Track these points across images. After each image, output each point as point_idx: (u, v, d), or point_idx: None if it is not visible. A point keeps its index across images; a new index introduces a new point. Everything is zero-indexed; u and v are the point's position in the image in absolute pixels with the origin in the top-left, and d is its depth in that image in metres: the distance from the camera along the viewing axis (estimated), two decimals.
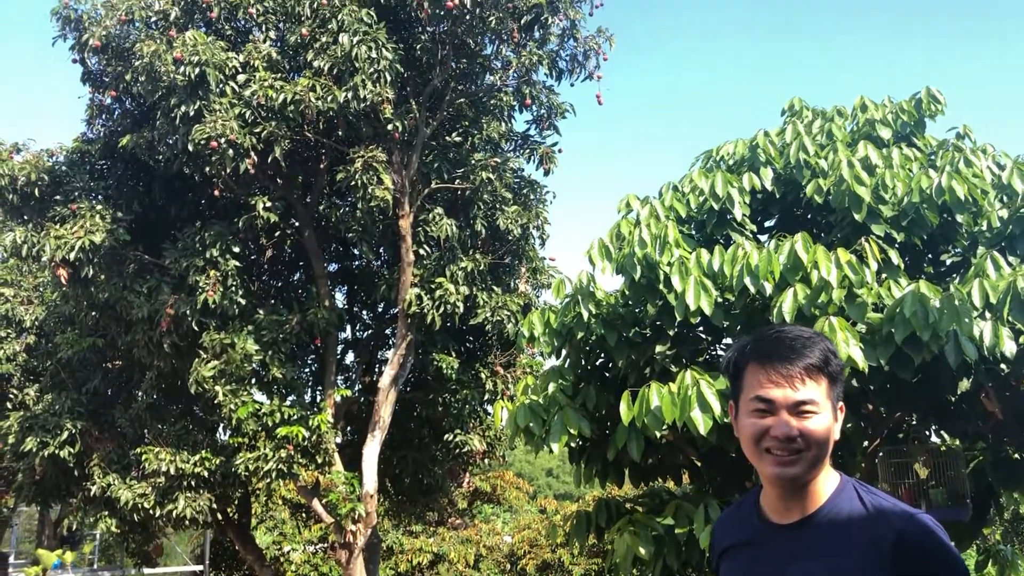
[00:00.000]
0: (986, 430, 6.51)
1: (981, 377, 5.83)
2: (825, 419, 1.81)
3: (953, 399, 6.37)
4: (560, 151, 12.24)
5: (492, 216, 11.65)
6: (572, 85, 11.74)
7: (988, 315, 5.35)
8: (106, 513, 12.29)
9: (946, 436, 7.29)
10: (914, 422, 7.09)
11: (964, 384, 6.06)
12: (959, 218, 6.49)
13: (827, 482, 1.84)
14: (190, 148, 9.87)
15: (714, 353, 6.83)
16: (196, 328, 10.93)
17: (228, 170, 10.12)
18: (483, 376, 12.27)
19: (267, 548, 20.00)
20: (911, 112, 7.49)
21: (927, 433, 7.28)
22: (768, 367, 1.81)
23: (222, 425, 12.04)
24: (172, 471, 11.08)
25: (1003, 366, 5.68)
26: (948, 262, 7.10)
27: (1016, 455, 6.74)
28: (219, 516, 13.10)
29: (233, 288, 10.86)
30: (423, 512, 15.90)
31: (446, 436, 12.50)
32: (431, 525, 22.64)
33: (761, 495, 1.93)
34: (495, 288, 11.60)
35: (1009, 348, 5.16)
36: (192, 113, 9.91)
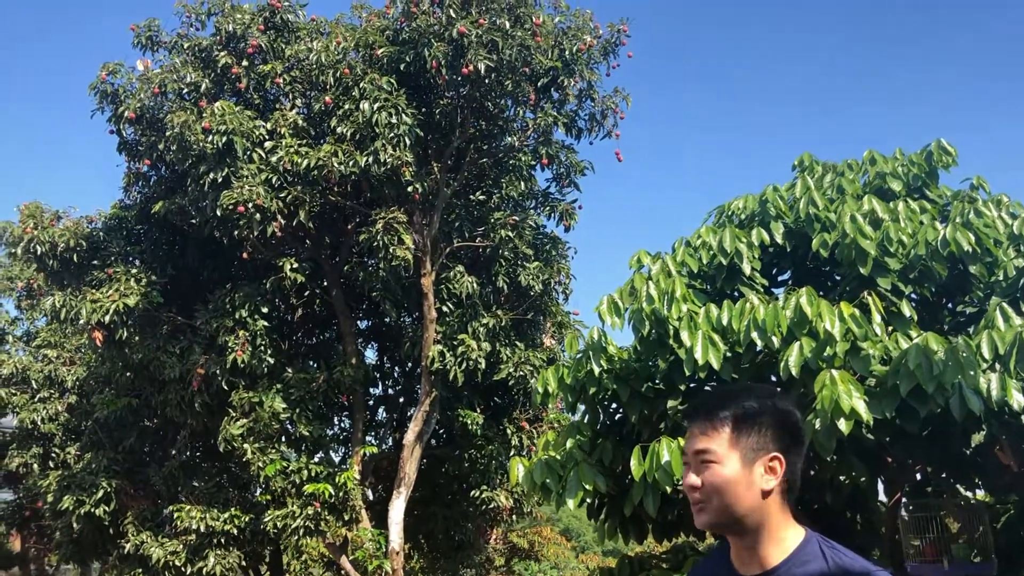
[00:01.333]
0: (1004, 483, 6.41)
1: (995, 430, 5.78)
2: (724, 468, 1.83)
3: (968, 452, 6.29)
4: (580, 207, 12.43)
5: (514, 272, 11.81)
6: (591, 143, 11.97)
7: (997, 367, 5.33)
8: (140, 571, 12.42)
9: (977, 491, 7.19)
10: (931, 475, 6.99)
11: (978, 437, 6.01)
12: (972, 269, 6.47)
13: (787, 536, 1.85)
14: (219, 213, 10.22)
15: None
16: (226, 387, 11.16)
17: (256, 233, 10.43)
18: (509, 431, 12.32)
19: None
20: (921, 164, 7.52)
21: (957, 487, 7.18)
22: (688, 422, 1.95)
23: (254, 482, 12.20)
24: (202, 528, 11.22)
25: (1021, 418, 5.64)
26: (967, 313, 7.06)
27: None
28: (251, 574, 13.18)
29: (262, 347, 11.10)
30: (458, 569, 15.84)
31: (472, 492, 12.52)
32: None
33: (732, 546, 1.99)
34: (519, 343, 11.71)
35: (1018, 400, 5.13)
36: (220, 180, 10.28)
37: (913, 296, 6.39)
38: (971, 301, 6.96)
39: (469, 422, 11.61)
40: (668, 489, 5.75)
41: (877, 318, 5.61)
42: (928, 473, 7.16)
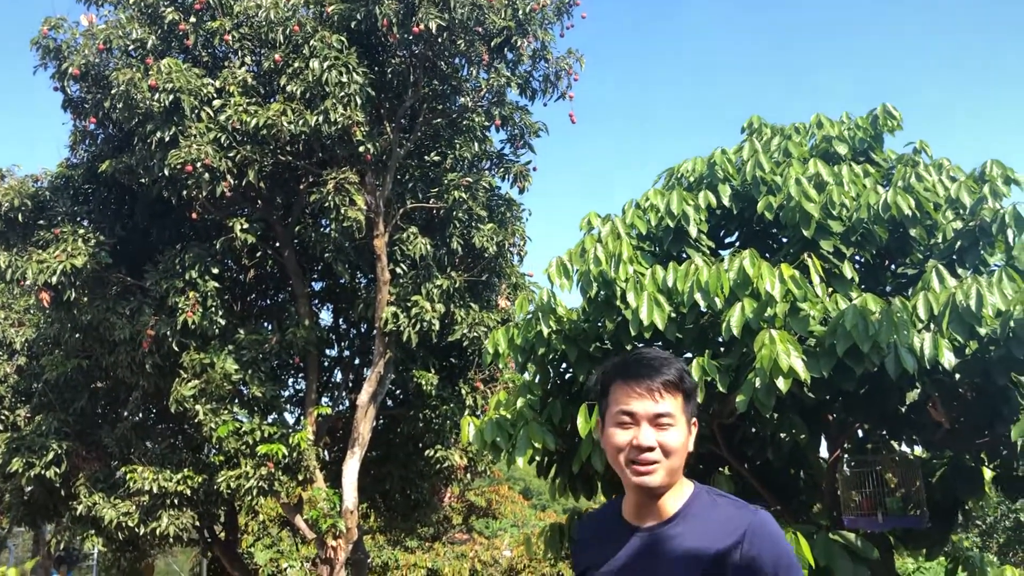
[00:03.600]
0: (937, 439, 6.63)
1: (928, 388, 5.97)
2: (680, 431, 1.97)
3: (904, 409, 6.50)
4: (535, 169, 12.44)
5: (468, 234, 11.82)
6: (545, 105, 11.95)
7: (932, 327, 5.50)
8: (92, 532, 12.39)
9: (914, 447, 7.42)
10: (869, 432, 7.21)
11: (913, 395, 6.20)
12: (912, 232, 6.62)
13: (683, 490, 2.02)
14: (167, 172, 10.07)
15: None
16: (177, 348, 11.08)
17: (205, 193, 10.30)
18: (463, 392, 12.41)
19: (265, 565, 20.10)
20: (867, 128, 7.64)
21: (894, 444, 7.41)
22: (632, 383, 1.99)
23: (207, 444, 12.18)
24: (155, 489, 11.20)
25: (957, 375, 5.82)
26: (907, 274, 7.24)
27: (973, 464, 6.86)
28: (205, 534, 13.21)
29: (213, 309, 11.02)
30: (415, 527, 16.01)
31: (427, 452, 12.64)
32: (427, 541, 22.75)
33: (624, 502, 2.08)
34: (473, 305, 11.76)
35: (948, 359, 5.30)
36: (168, 138, 10.11)
37: (855, 258, 6.52)
38: (910, 263, 7.13)
39: (424, 383, 11.67)
40: None
41: (817, 279, 5.74)
42: (867, 430, 7.37)
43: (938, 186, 6.86)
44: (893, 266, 7.23)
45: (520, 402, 6.74)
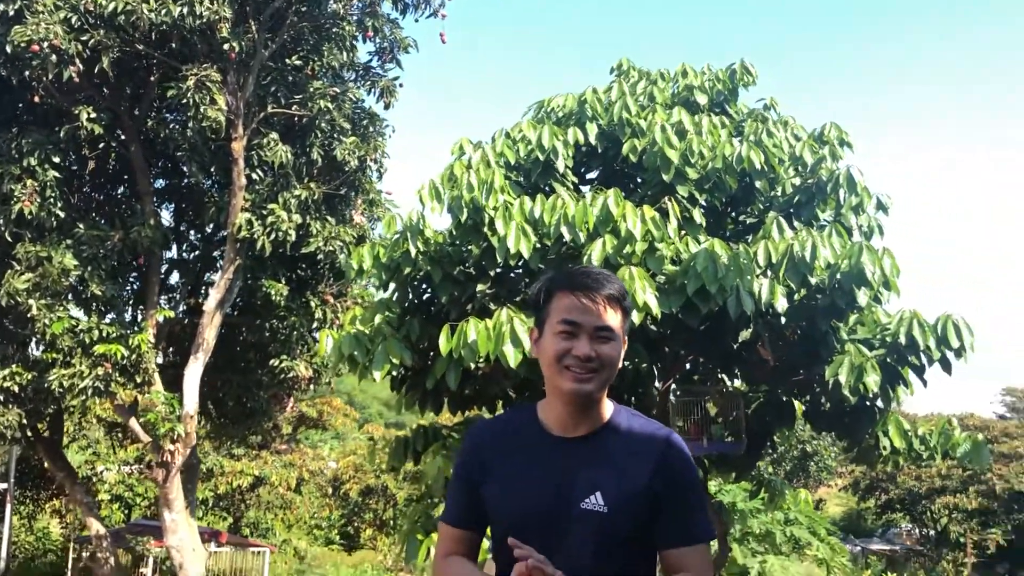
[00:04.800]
0: (759, 375, 7.30)
1: (760, 328, 6.57)
2: (617, 346, 2.10)
3: (736, 346, 7.10)
4: (401, 85, 12.33)
5: (329, 146, 11.62)
6: (416, 21, 11.82)
7: (769, 273, 6.05)
8: None
9: (735, 380, 8.10)
10: (700, 365, 7.82)
11: (745, 334, 6.79)
12: (757, 184, 7.16)
13: (607, 404, 2.16)
14: (8, 50, 9.34)
15: (530, 294, 7.26)
16: (10, 239, 10.45)
17: (50, 76, 9.66)
18: (313, 304, 12.36)
19: (79, 467, 19.46)
20: (725, 81, 8.10)
21: (719, 376, 8.06)
22: (578, 294, 2.08)
23: (35, 340, 11.63)
24: None
25: (782, 319, 6.43)
26: (748, 223, 7.80)
27: (785, 398, 7.59)
28: (28, 432, 12.69)
29: (51, 200, 10.43)
30: (245, 436, 15.93)
31: (272, 361, 12.56)
32: (253, 449, 22.66)
33: (542, 411, 2.19)
34: (329, 218, 11.66)
35: (781, 304, 5.88)
36: (12, 12, 9.36)
37: (703, 204, 6.98)
38: (752, 213, 7.72)
39: (273, 292, 11.53)
40: (472, 365, 6.15)
41: (674, 223, 6.16)
42: (698, 363, 8.00)
43: (784, 143, 7.42)
44: (735, 214, 7.79)
45: (379, 318, 6.87)
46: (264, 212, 10.87)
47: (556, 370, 2.08)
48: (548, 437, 2.14)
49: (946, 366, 6.12)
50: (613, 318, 2.10)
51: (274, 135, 11.23)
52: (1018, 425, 24.31)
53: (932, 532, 23.00)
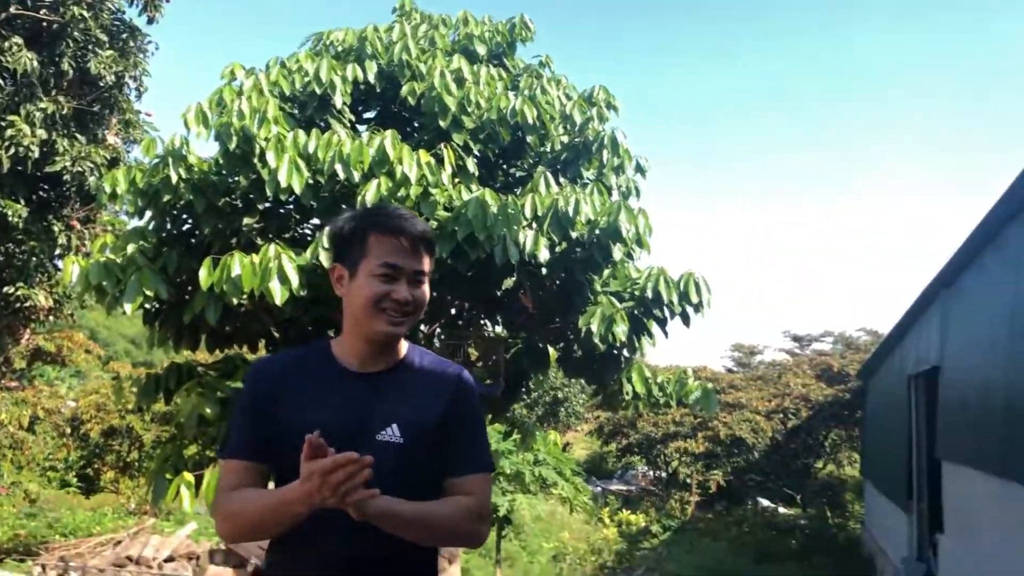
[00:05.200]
0: (519, 321, 7.64)
1: (523, 277, 6.86)
2: (427, 288, 2.19)
3: (499, 293, 7.37)
4: (168, 0, 11.49)
5: (83, 57, 10.64)
6: None
7: (535, 225, 6.31)
8: None
9: (497, 326, 8.40)
10: (465, 310, 8.05)
11: (509, 282, 7.06)
12: (529, 139, 7.42)
13: (403, 342, 2.24)
14: None
15: (300, 231, 7.12)
16: None
17: None
18: (56, 229, 11.37)
19: None
20: (504, 34, 8.27)
21: (482, 321, 8.34)
22: (398, 237, 2.11)
23: None
24: None
25: (543, 270, 6.73)
26: (517, 175, 8.06)
27: (542, 345, 7.99)
28: None
29: None
30: None
31: (6, 288, 11.47)
32: None
33: (338, 347, 2.22)
34: (79, 136, 10.72)
35: (544, 255, 6.16)
36: None
37: (477, 154, 7.14)
38: (522, 166, 7.99)
39: (11, 213, 10.48)
40: (234, 301, 5.95)
41: (449, 169, 6.26)
42: (463, 308, 8.22)
43: (556, 101, 7.72)
44: (506, 166, 8.03)
45: (132, 247, 6.46)
46: (3, 124, 9.81)
47: (371, 312, 2.11)
48: (345, 372, 2.17)
49: (686, 319, 6.71)
50: (427, 263, 2.18)
51: (18, 39, 10.11)
52: (742, 378, 26.97)
53: (664, 474, 25.15)
